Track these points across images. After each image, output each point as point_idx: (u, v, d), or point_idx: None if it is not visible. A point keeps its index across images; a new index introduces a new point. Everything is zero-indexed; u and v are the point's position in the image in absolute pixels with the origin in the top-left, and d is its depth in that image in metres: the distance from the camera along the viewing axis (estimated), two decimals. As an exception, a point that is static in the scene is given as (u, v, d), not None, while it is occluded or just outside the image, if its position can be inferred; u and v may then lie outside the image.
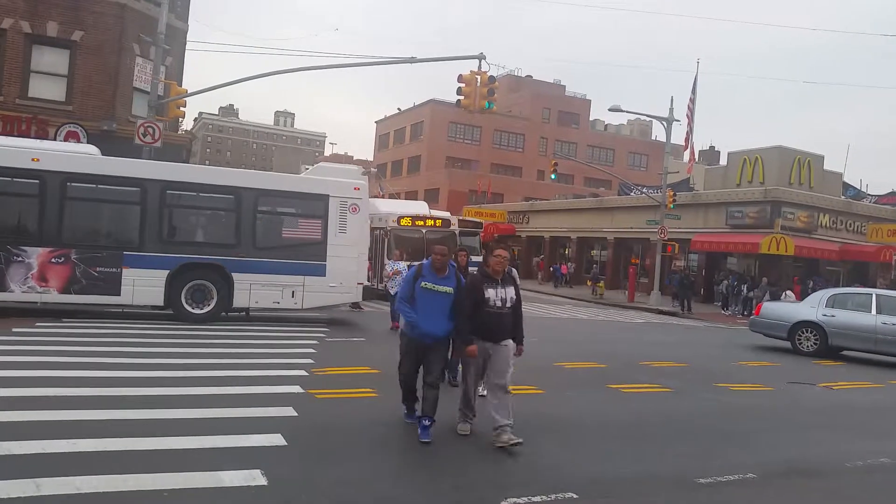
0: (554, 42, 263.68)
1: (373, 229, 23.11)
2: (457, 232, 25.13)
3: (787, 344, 16.61)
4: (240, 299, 14.43)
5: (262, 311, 15.31)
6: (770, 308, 17.89)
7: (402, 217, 23.53)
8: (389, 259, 15.24)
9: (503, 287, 6.70)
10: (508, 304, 6.68)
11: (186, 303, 14.05)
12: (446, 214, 26.71)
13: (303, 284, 14.81)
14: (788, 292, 26.02)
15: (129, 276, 13.61)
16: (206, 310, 14.18)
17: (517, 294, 6.83)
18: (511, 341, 6.76)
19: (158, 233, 14.01)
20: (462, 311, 6.64)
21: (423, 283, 6.66)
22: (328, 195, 15.11)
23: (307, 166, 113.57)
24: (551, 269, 42.65)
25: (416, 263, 7.78)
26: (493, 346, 6.64)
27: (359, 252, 15.35)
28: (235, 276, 14.25)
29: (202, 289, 14.15)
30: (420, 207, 26.64)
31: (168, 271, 13.84)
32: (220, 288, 14.24)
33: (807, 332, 16.26)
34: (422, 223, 23.87)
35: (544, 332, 16.50)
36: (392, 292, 14.25)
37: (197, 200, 14.47)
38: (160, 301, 13.94)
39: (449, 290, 6.65)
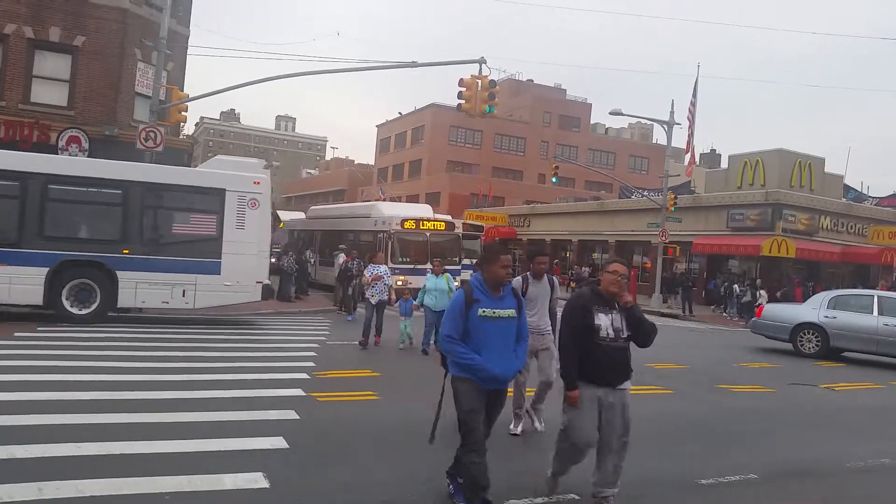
0: (555, 47, 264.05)
1: (375, 232, 23.46)
2: (461, 235, 24.78)
3: (789, 346, 16.62)
4: (125, 299, 13.72)
5: (152, 311, 14.70)
6: (772, 310, 17.91)
7: (406, 220, 23.14)
8: (372, 263, 14.31)
9: (617, 312, 5.16)
10: (624, 335, 5.16)
11: (68, 302, 13.37)
12: (449, 218, 26.61)
13: (195, 283, 14.09)
14: (762, 292, 26.45)
15: (5, 273, 12.89)
16: (88, 310, 13.47)
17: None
18: (629, 383, 5.29)
19: (38, 228, 13.29)
20: (564, 345, 5.22)
21: (481, 311, 4.89)
22: (224, 189, 14.43)
23: (309, 171, 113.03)
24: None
25: (457, 284, 7.35)
26: (609, 393, 5.13)
27: (259, 249, 14.65)
28: (120, 274, 13.56)
29: (85, 288, 13.46)
30: (423, 210, 26.29)
31: (47, 269, 13.12)
32: (103, 287, 13.53)
33: (808, 333, 16.27)
34: (425, 226, 23.52)
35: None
36: (373, 301, 13.26)
37: (80, 195, 13.77)
38: (39, 300, 13.18)
39: (513, 312, 5.05)
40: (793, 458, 7.20)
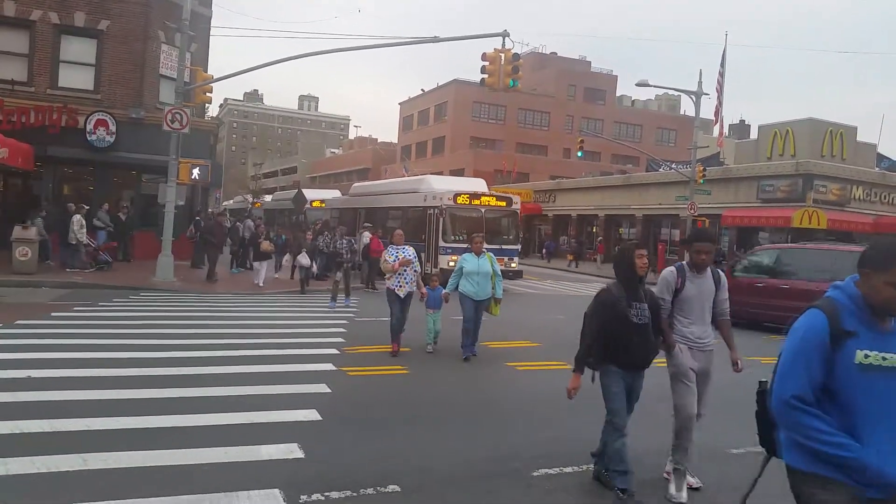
0: (579, 18, 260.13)
1: (425, 209, 21.86)
2: (518, 212, 22.80)
3: None
4: None
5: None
6: None
7: (459, 195, 21.20)
8: (393, 244, 10.35)
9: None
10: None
11: None
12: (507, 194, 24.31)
13: None
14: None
15: None
16: None
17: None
18: None
19: None
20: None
21: (864, 356, 2.73)
22: None
23: (332, 150, 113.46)
24: (545, 245, 43.64)
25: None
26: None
27: None
28: None
29: None
30: (477, 184, 23.99)
31: None
32: None
33: None
34: (480, 201, 21.60)
35: (574, 310, 16.46)
36: (401, 294, 9.92)
37: None
38: None
39: None
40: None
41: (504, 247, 20.97)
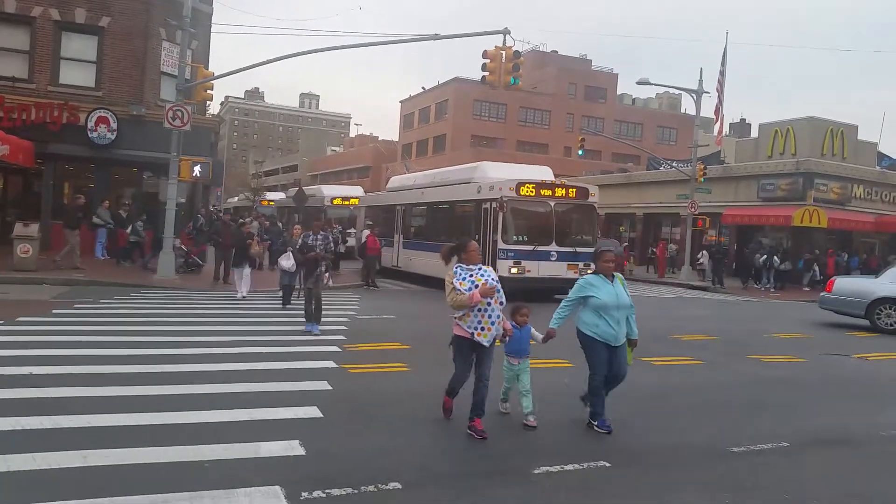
0: (580, 17, 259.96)
1: (479, 202, 18.43)
2: (596, 206, 18.95)
3: (862, 321, 15.94)
4: None
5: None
6: (844, 284, 16.92)
7: (523, 184, 17.58)
8: (464, 263, 6.25)
9: None
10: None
11: None
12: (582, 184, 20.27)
13: None
14: (704, 251, 28.37)
15: None
16: None
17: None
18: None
19: None
20: None
21: None
22: None
23: (333, 148, 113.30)
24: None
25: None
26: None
27: None
28: None
29: None
30: (543, 172, 20.00)
31: None
32: None
33: (888, 308, 15.53)
34: (549, 192, 17.89)
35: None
36: (484, 341, 6.11)
37: None
38: None
39: None
40: (825, 426, 7.15)
41: (579, 249, 17.72)
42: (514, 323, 6.66)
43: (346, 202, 34.04)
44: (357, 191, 37.24)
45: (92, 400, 6.45)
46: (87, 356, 8.26)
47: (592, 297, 6.50)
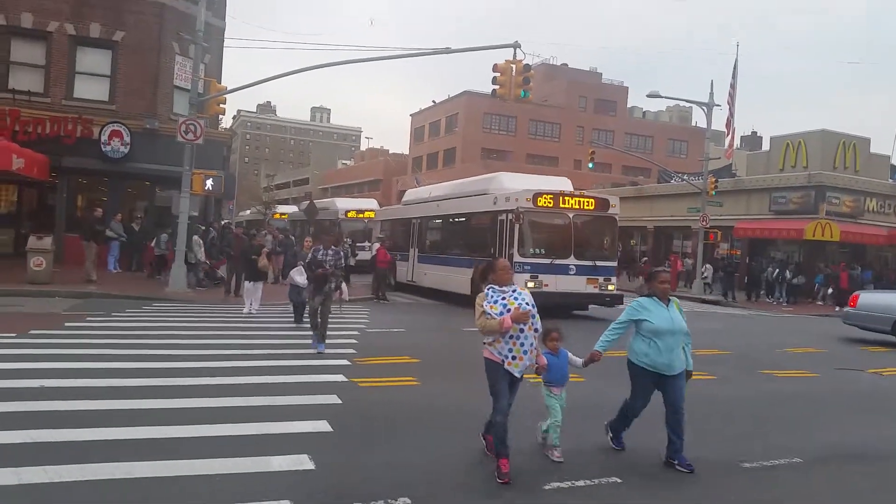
0: (590, 30, 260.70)
1: (495, 214, 17.77)
2: (617, 219, 18.24)
3: (888, 337, 15.54)
4: None
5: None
6: (870, 299, 16.49)
7: (540, 195, 16.92)
8: (495, 284, 5.65)
9: None
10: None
11: None
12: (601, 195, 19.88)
13: None
14: (708, 265, 27.99)
15: None
16: None
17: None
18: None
19: None
20: None
21: None
22: None
23: (344, 161, 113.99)
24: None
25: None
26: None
27: None
28: None
29: None
30: (561, 183, 19.60)
31: None
32: None
33: None
34: (567, 203, 17.26)
35: (586, 324, 16.41)
36: (515, 371, 5.56)
37: None
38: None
39: None
40: (839, 442, 7.07)
41: (598, 263, 17.30)
42: (546, 350, 6.04)
43: (361, 215, 33.87)
44: (372, 204, 36.95)
45: (102, 413, 6.48)
46: (98, 369, 8.30)
47: (645, 321, 5.97)
